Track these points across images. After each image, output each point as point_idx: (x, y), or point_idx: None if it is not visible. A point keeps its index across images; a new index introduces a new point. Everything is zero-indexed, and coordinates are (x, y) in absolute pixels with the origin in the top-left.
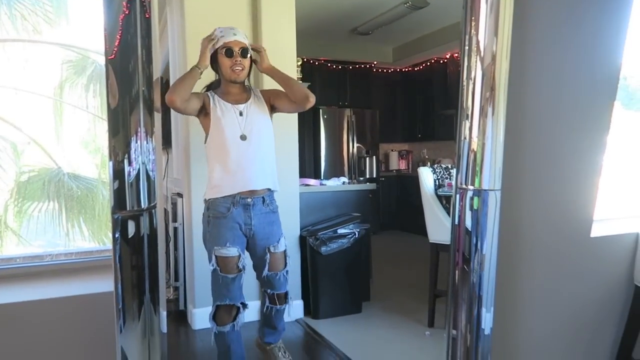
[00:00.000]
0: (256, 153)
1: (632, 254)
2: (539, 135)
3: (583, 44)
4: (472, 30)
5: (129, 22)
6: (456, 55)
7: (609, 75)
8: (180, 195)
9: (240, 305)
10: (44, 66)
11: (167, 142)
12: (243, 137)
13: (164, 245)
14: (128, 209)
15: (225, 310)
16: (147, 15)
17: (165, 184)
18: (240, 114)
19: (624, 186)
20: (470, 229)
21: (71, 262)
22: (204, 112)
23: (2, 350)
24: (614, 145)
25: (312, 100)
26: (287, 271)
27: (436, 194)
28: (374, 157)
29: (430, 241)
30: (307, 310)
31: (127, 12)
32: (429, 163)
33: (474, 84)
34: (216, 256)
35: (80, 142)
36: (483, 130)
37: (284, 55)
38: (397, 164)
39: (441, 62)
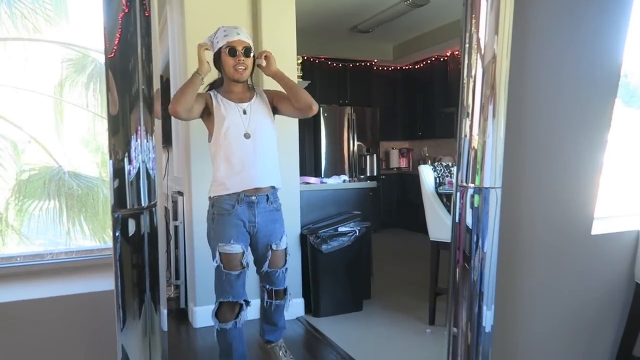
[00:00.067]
0: (260, 151)
1: (632, 251)
2: (539, 133)
3: (583, 42)
4: (473, 28)
5: (129, 21)
6: (457, 53)
7: (609, 73)
8: (180, 193)
9: (243, 303)
10: (44, 65)
11: (167, 140)
12: (247, 136)
13: (165, 244)
14: (128, 207)
15: (228, 308)
16: (146, 14)
17: (165, 183)
18: (244, 112)
19: (624, 184)
20: (470, 227)
21: (72, 260)
22: (207, 112)
23: (3, 348)
24: (614, 142)
25: (316, 109)
26: (286, 268)
27: (437, 192)
28: (375, 155)
29: (431, 239)
30: (308, 309)
31: (126, 11)
32: (429, 161)
33: (474, 81)
34: (220, 253)
35: (80, 140)
36: (483, 128)
37: (284, 53)
38: (397, 162)
39: (441, 59)
